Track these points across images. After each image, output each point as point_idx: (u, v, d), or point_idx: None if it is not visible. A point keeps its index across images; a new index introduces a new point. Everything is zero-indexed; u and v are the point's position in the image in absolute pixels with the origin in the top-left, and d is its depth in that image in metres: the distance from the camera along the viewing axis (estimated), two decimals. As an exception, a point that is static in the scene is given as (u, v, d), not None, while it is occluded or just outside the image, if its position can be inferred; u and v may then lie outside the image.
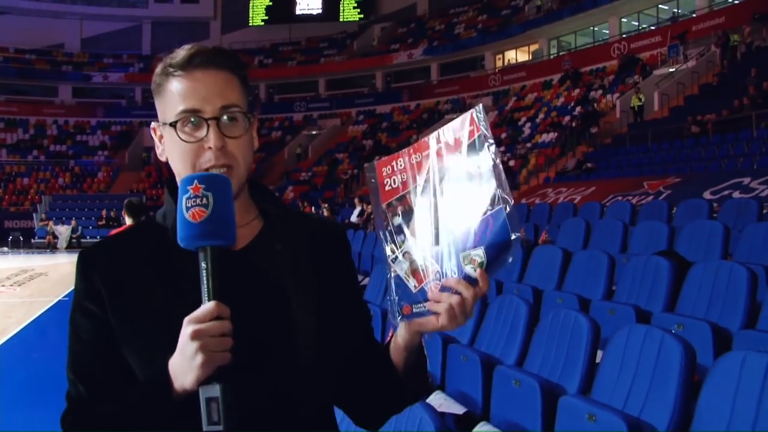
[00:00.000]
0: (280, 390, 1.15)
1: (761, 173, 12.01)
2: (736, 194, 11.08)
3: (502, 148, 25.54)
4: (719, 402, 2.55)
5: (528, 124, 27.12)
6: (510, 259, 1.10)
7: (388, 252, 1.17)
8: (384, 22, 41.52)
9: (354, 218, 16.23)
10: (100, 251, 1.24)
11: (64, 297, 12.04)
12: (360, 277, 9.09)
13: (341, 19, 42.05)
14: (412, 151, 1.19)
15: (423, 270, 1.14)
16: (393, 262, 1.16)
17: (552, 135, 24.07)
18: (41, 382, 6.39)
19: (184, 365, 1.03)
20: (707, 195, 11.32)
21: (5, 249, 25.90)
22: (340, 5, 41.78)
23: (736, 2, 24.02)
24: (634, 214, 8.94)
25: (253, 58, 40.49)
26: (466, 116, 1.14)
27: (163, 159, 1.26)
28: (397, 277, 1.16)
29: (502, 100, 31.83)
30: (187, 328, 1.02)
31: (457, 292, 1.10)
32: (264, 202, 1.31)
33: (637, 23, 29.62)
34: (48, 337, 8.99)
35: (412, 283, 1.14)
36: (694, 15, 25.99)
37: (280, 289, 1.19)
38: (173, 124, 1.18)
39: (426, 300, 1.13)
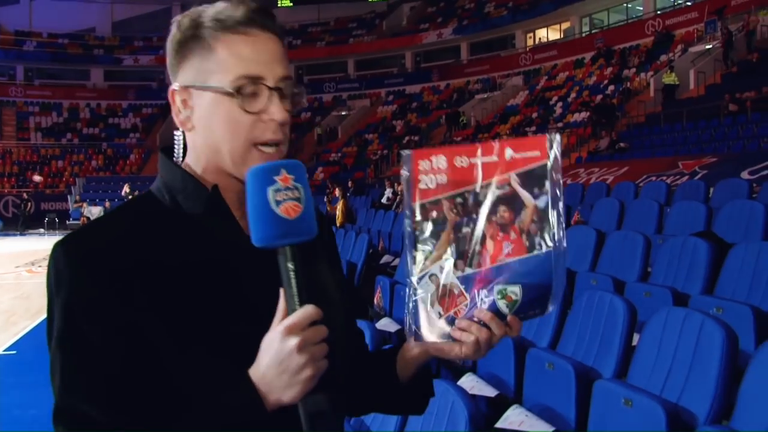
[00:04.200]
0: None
1: (803, 152, 11.67)
2: (776, 174, 10.75)
3: (533, 128, 25.22)
4: (763, 390, 2.46)
5: (559, 104, 26.69)
6: (545, 311, 1.01)
7: (413, 267, 1.04)
8: (413, 1, 41.10)
9: (384, 200, 16.19)
10: (108, 243, 0.99)
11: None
12: (390, 258, 9.07)
13: (370, -1, 41.83)
14: (456, 151, 1.04)
15: (450, 296, 1.03)
16: (418, 283, 1.04)
17: (584, 114, 23.66)
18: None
19: (285, 379, 0.91)
20: (745, 175, 11.00)
21: (41, 230, 26.45)
22: (369, -15, 41.60)
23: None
24: (670, 194, 8.73)
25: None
26: (538, 138, 0.99)
27: (187, 128, 1.08)
28: (422, 299, 1.05)
29: (533, 79, 31.36)
30: (289, 339, 0.90)
31: (488, 327, 1.01)
32: None
33: (672, -2, 28.88)
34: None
35: (437, 310, 1.03)
36: (733, -11, 25.17)
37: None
38: (230, 92, 1.02)
39: (451, 326, 1.04)
